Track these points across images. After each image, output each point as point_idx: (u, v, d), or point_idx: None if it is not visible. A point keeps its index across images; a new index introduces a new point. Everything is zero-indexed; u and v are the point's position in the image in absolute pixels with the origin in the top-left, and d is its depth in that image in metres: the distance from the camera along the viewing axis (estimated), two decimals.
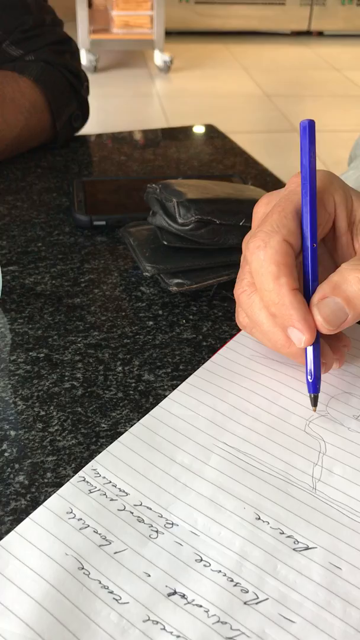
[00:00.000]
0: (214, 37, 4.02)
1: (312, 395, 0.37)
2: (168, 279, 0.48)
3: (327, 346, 0.38)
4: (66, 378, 0.41)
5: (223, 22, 4.01)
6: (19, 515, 0.32)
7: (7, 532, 0.31)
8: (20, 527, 0.30)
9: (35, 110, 0.71)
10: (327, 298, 0.35)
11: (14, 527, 0.31)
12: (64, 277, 0.51)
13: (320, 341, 0.37)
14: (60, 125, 0.73)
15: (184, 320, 0.47)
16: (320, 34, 4.21)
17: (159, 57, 3.41)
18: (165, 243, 0.49)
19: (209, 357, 0.43)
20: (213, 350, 0.43)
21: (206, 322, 0.46)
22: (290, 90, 3.30)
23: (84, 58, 3.27)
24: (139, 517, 0.31)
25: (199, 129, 0.84)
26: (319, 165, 0.41)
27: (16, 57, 0.73)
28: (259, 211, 0.40)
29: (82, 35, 3.31)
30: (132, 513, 0.31)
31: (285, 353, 0.38)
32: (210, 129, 0.83)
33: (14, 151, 0.71)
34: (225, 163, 0.73)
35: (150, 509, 0.32)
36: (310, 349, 0.37)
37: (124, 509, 0.31)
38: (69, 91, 0.75)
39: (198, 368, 0.42)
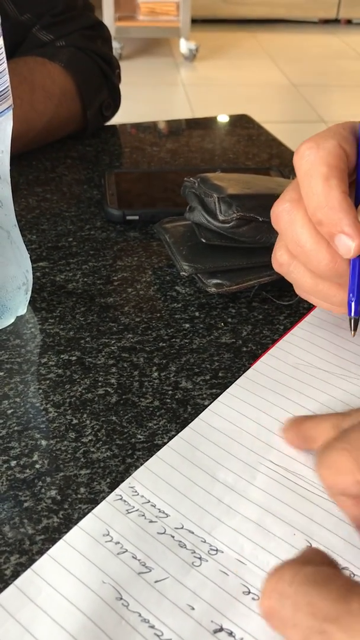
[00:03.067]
0: (240, 25, 3.96)
1: (353, 318, 0.34)
2: (206, 279, 0.45)
3: None
4: (100, 384, 0.39)
5: (250, 10, 3.94)
6: (51, 535, 0.30)
7: (39, 552, 0.29)
8: (54, 550, 0.28)
9: (66, 98, 0.69)
10: None
11: (46, 548, 0.29)
12: (96, 274, 0.49)
13: None
14: (91, 113, 0.71)
15: (222, 324, 0.44)
16: (349, 22, 4.12)
17: (184, 45, 3.36)
18: (204, 241, 0.46)
19: (250, 364, 0.40)
20: (254, 357, 0.41)
21: (246, 326, 0.44)
22: (318, 80, 3.23)
23: None
24: (180, 541, 0.29)
25: (232, 119, 0.81)
26: None
27: (46, 42, 0.71)
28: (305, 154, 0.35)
29: (108, 22, 3.27)
30: (173, 537, 0.29)
31: (329, 273, 0.35)
32: (245, 119, 0.80)
33: (43, 140, 0.69)
34: (262, 156, 0.70)
35: (193, 532, 0.29)
36: (356, 265, 0.34)
37: (164, 532, 0.29)
38: (100, 78, 0.72)
39: (238, 376, 0.39)
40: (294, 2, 3.97)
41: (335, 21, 4.10)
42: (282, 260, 0.37)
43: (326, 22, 4.10)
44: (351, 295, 0.34)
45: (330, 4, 4.03)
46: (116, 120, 0.78)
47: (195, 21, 3.60)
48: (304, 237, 0.35)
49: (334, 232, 0.33)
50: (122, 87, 0.76)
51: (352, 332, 0.34)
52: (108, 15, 3.26)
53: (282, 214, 0.36)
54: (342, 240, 0.32)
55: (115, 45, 3.27)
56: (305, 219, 0.34)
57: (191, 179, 0.48)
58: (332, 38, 3.89)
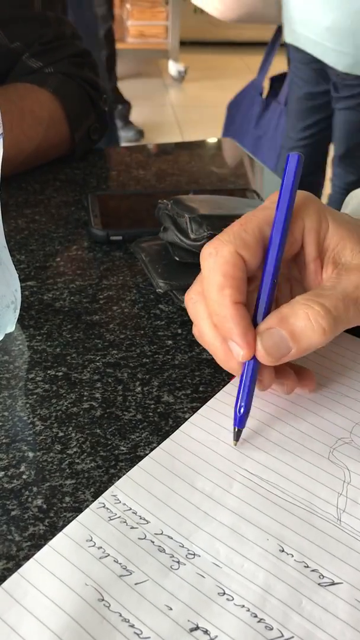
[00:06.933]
0: (228, 47, 4.04)
1: (235, 429, 0.36)
2: (181, 295, 0.47)
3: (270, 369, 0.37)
4: (85, 398, 0.40)
5: (238, 33, 4.02)
6: (37, 541, 0.31)
7: (25, 558, 0.30)
8: (39, 555, 0.30)
9: (54, 123, 0.71)
10: (273, 329, 0.34)
11: (32, 554, 0.30)
12: (82, 293, 0.51)
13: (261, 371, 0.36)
14: (78, 137, 0.73)
15: None
16: None
17: (173, 67, 3.43)
18: (177, 259, 0.48)
19: (229, 378, 0.42)
20: None
21: None
22: None
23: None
24: (160, 546, 0.30)
25: (217, 143, 0.84)
26: None
27: (35, 69, 0.73)
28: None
29: None
30: (153, 542, 0.31)
31: (226, 367, 0.37)
32: (229, 144, 0.83)
33: (32, 164, 0.71)
34: (245, 179, 0.73)
35: (172, 538, 0.31)
36: (246, 381, 0.36)
37: (144, 538, 0.31)
38: (88, 104, 0.75)
39: (218, 390, 0.41)
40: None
41: None
42: (196, 334, 0.40)
43: None
44: (238, 408, 0.36)
45: None
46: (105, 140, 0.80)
47: (184, 43, 3.67)
48: (204, 329, 0.37)
49: (226, 338, 0.35)
50: None
51: (234, 442, 0.36)
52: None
53: (189, 304, 0.38)
54: (233, 346, 0.35)
55: None
56: (205, 312, 0.37)
57: (164, 201, 0.51)
58: None
